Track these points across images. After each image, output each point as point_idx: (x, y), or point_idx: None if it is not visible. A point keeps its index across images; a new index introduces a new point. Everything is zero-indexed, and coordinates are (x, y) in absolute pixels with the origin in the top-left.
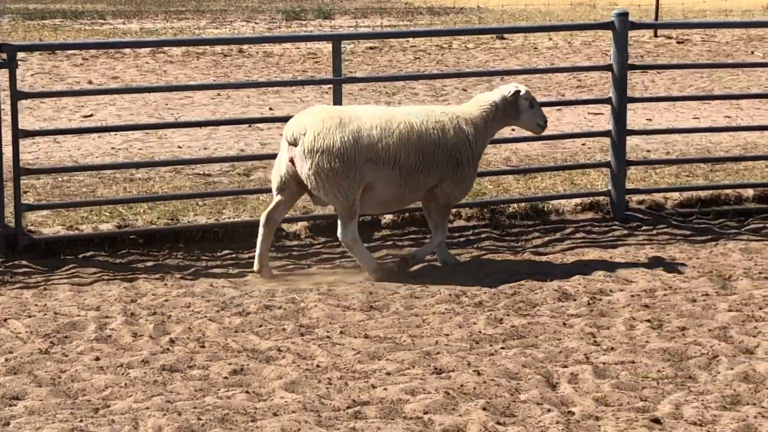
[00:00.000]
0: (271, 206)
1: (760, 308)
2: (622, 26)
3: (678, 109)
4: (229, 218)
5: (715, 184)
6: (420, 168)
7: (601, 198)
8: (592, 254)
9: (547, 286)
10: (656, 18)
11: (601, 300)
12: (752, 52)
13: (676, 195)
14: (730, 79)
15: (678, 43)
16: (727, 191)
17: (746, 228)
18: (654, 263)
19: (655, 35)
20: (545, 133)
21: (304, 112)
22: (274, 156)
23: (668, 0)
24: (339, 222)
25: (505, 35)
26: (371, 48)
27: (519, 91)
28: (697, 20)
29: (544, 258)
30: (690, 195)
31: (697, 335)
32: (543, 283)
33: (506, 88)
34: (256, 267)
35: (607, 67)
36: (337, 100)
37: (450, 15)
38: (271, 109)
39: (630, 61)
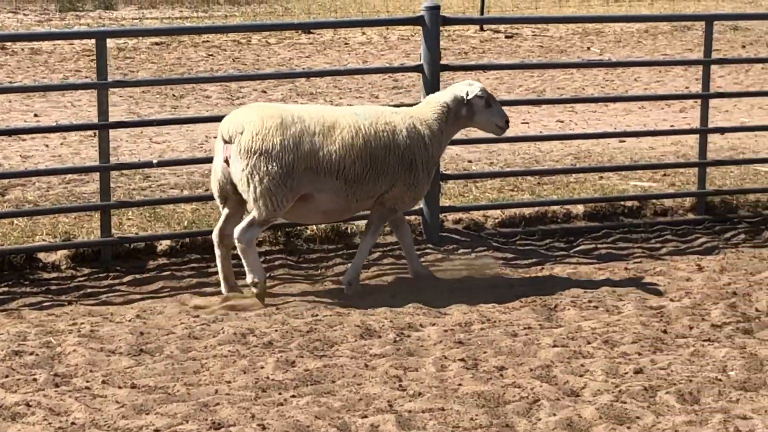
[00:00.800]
0: (220, 222)
1: (588, 343)
2: (433, 22)
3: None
4: None
5: (541, 200)
6: (368, 176)
7: (413, 217)
8: (401, 282)
9: (349, 320)
10: (482, 11)
11: (409, 336)
12: (588, 48)
13: (497, 213)
14: (564, 79)
15: (507, 37)
16: (555, 208)
17: (575, 250)
18: (471, 292)
19: (481, 29)
20: None
21: (243, 108)
22: (34, 173)
23: None
24: (246, 221)
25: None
26: (157, 44)
27: (468, 90)
28: (522, 15)
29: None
30: (513, 213)
31: (517, 376)
32: (344, 317)
33: (459, 87)
34: (224, 290)
35: (417, 68)
36: (103, 108)
37: (252, 5)
38: (36, 115)
39: (448, 60)
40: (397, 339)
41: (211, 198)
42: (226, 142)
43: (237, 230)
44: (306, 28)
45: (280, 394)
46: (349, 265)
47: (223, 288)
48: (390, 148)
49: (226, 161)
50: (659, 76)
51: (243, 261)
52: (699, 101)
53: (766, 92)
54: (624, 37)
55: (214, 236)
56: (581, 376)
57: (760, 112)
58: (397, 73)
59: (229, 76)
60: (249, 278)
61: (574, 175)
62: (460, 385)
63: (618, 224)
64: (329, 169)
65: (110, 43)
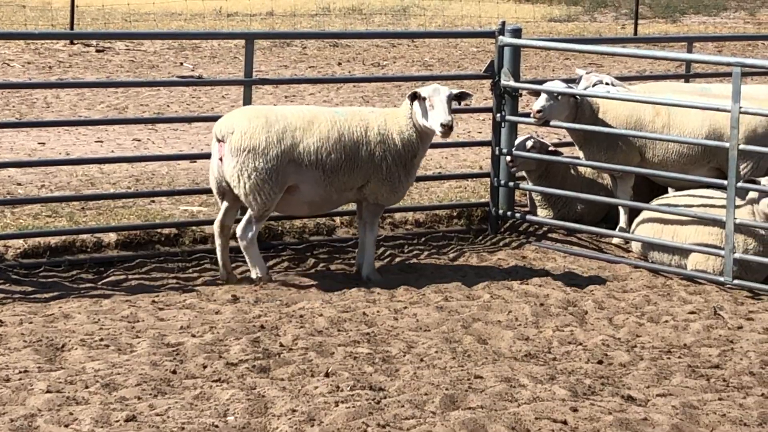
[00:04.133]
0: (220, 214)
1: (87, 387)
2: None
3: (78, 131)
4: None
5: (69, 228)
6: (344, 167)
7: None
8: None
9: None
10: (71, 26)
11: None
12: (181, 64)
13: (20, 243)
14: (149, 95)
15: (97, 51)
16: (84, 236)
17: (103, 281)
18: None
19: (72, 43)
20: None
21: (235, 110)
22: None
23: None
24: (244, 220)
25: None
26: None
27: (415, 92)
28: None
29: None
30: (38, 242)
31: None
32: None
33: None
34: (222, 277)
35: None
36: None
37: None
38: None
39: (36, 74)
40: None
41: None
42: (219, 141)
43: (238, 230)
44: None
45: None
46: (363, 264)
47: (221, 273)
48: (362, 143)
49: (221, 160)
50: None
51: (246, 258)
52: None
53: None
54: (221, 53)
55: (215, 227)
56: (67, 426)
57: None
58: None
59: None
60: (253, 274)
61: (124, 200)
62: None
63: (154, 253)
64: (309, 160)
65: None
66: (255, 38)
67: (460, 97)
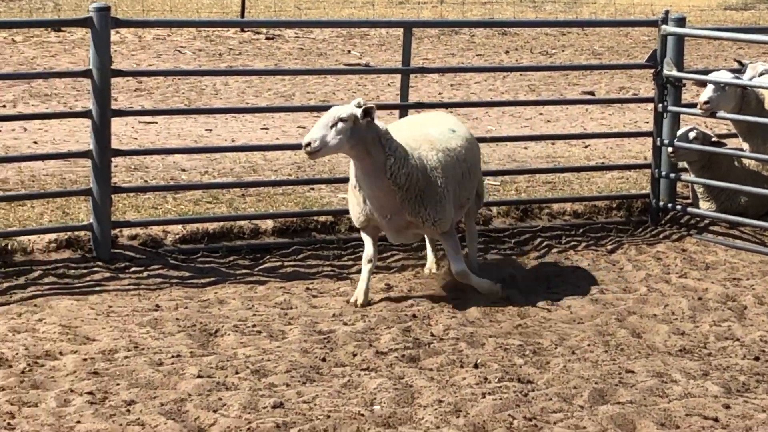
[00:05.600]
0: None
1: (237, 373)
2: (102, 23)
3: (244, 118)
4: None
5: (227, 215)
6: None
7: (82, 233)
8: (61, 303)
9: None
10: (242, 14)
11: (42, 366)
12: (349, 52)
13: (179, 228)
14: (316, 83)
15: (267, 39)
16: (242, 223)
17: (260, 267)
18: (129, 315)
19: (242, 31)
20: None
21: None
22: None
23: None
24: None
25: None
26: None
27: None
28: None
29: None
30: (196, 228)
31: (145, 412)
32: None
33: None
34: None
35: (85, 73)
36: None
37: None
38: None
39: (206, 62)
40: (27, 369)
41: None
42: None
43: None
44: None
45: None
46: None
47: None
48: None
49: None
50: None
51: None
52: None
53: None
54: (388, 40)
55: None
56: (215, 411)
57: (510, 120)
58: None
59: None
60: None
61: (284, 187)
62: (78, 422)
63: (310, 240)
64: None
65: None
66: (413, 27)
67: (367, 113)
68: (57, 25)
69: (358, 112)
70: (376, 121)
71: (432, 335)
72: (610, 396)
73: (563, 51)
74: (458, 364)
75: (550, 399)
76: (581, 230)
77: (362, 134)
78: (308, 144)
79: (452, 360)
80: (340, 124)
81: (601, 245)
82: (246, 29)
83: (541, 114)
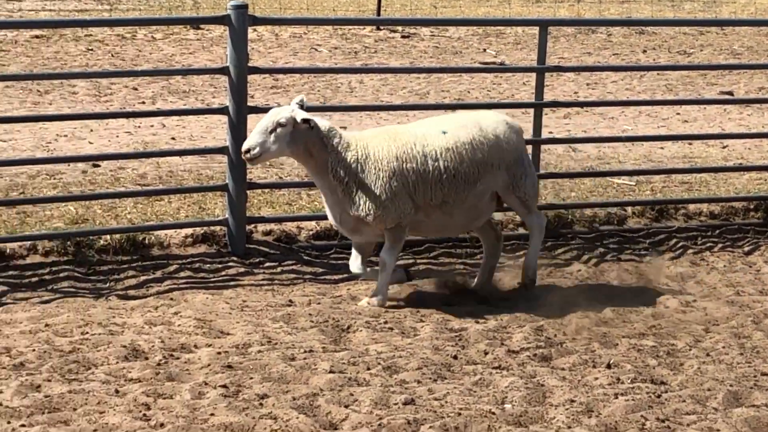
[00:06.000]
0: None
1: (368, 369)
2: (240, 21)
3: (379, 116)
4: None
5: None
6: None
7: (217, 228)
8: (196, 297)
9: (118, 340)
10: (378, 12)
11: (178, 359)
12: (484, 50)
13: (312, 224)
14: (451, 81)
15: (403, 37)
16: None
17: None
18: (263, 310)
19: (378, 29)
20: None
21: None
22: None
23: None
24: None
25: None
26: (37, 37)
27: None
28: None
29: (133, 302)
30: (329, 224)
31: (277, 405)
32: (113, 336)
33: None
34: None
35: (223, 70)
36: None
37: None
38: None
39: (341, 60)
40: (163, 362)
41: (6, 203)
42: None
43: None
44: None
45: (9, 423)
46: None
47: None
48: None
49: None
50: (549, 81)
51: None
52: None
53: (606, 102)
54: (524, 39)
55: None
56: (347, 406)
57: (646, 119)
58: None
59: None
60: None
61: None
62: (211, 415)
63: (442, 238)
64: None
65: None
66: (549, 25)
67: (306, 121)
68: (195, 23)
69: (298, 115)
70: (319, 120)
71: (564, 335)
72: (745, 399)
73: (701, 50)
74: (591, 364)
75: (684, 401)
76: (717, 231)
77: (303, 137)
78: (248, 151)
79: (585, 360)
80: (279, 129)
81: (737, 246)
82: (382, 27)
83: (678, 114)
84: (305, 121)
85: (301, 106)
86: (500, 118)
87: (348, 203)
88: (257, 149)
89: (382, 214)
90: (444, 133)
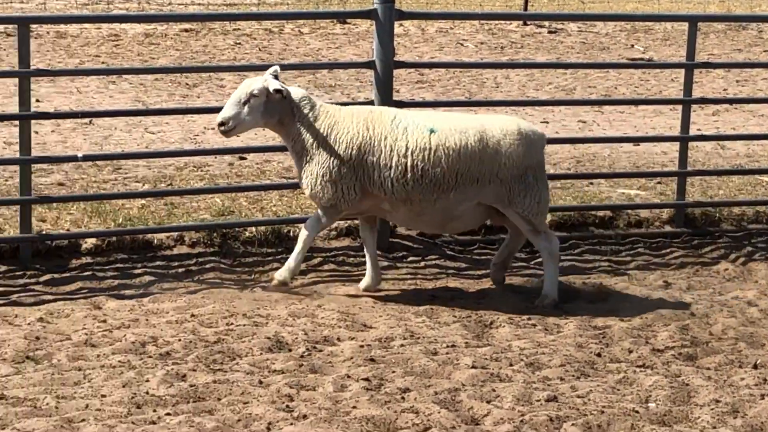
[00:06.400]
0: None
1: (511, 365)
2: (386, 16)
3: (524, 111)
4: None
5: None
6: None
7: None
8: (340, 290)
9: (262, 331)
10: (525, 7)
11: (321, 351)
12: (632, 46)
13: None
14: (598, 77)
15: (550, 32)
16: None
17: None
18: (407, 304)
19: (525, 24)
20: None
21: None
22: None
23: None
24: None
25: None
26: (186, 30)
27: None
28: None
29: (277, 294)
30: None
31: (419, 400)
32: (257, 327)
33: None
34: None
35: (368, 64)
36: (25, 98)
37: None
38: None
39: (487, 55)
40: (306, 354)
41: (154, 194)
42: None
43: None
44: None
45: (154, 411)
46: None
47: None
48: None
49: None
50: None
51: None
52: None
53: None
54: (673, 35)
55: None
56: (488, 402)
57: None
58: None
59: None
60: None
61: (562, 181)
62: (354, 408)
63: (587, 235)
64: None
65: (138, 28)
66: (698, 21)
67: (278, 91)
68: (342, 17)
69: (271, 84)
70: (293, 89)
71: (710, 334)
72: None
73: None
74: (737, 364)
75: None
76: None
77: (277, 107)
78: (222, 123)
79: (731, 360)
80: (252, 100)
81: None
82: (528, 22)
83: None
84: (278, 90)
85: (275, 77)
86: (513, 129)
87: (301, 173)
88: (231, 122)
89: (320, 192)
90: (431, 132)
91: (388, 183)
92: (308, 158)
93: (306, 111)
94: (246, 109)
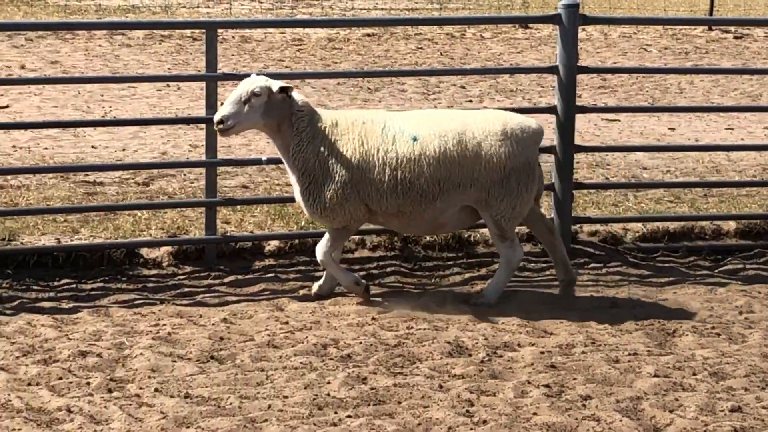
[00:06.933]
0: None
1: (694, 374)
2: (570, 20)
3: (708, 117)
4: (77, 240)
5: (688, 215)
6: None
7: None
8: (519, 296)
9: (442, 336)
10: (710, 12)
11: (501, 357)
12: None
13: (638, 226)
14: (759, 85)
15: (735, 38)
16: (704, 223)
17: (720, 269)
18: (588, 311)
19: (710, 29)
20: None
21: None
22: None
23: None
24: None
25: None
26: (368, 35)
27: None
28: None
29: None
30: (656, 226)
31: (600, 407)
32: (437, 332)
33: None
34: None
35: (552, 69)
36: (212, 102)
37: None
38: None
39: (671, 60)
40: (486, 359)
41: None
42: None
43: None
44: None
45: (335, 413)
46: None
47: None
48: None
49: None
50: None
51: None
52: None
53: None
54: None
55: None
56: (671, 411)
57: None
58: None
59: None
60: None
61: (747, 188)
62: (534, 414)
63: None
64: None
65: (321, 32)
66: None
67: (284, 90)
68: (524, 22)
69: (273, 84)
70: (295, 95)
71: None
72: None
73: None
74: None
75: None
76: None
77: (277, 109)
78: (220, 122)
79: None
80: (253, 99)
81: None
82: (714, 27)
83: None
84: (282, 89)
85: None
86: (495, 129)
87: (301, 194)
88: (230, 120)
89: (331, 215)
90: (414, 140)
91: (385, 198)
92: (311, 179)
93: (304, 124)
94: (246, 108)
